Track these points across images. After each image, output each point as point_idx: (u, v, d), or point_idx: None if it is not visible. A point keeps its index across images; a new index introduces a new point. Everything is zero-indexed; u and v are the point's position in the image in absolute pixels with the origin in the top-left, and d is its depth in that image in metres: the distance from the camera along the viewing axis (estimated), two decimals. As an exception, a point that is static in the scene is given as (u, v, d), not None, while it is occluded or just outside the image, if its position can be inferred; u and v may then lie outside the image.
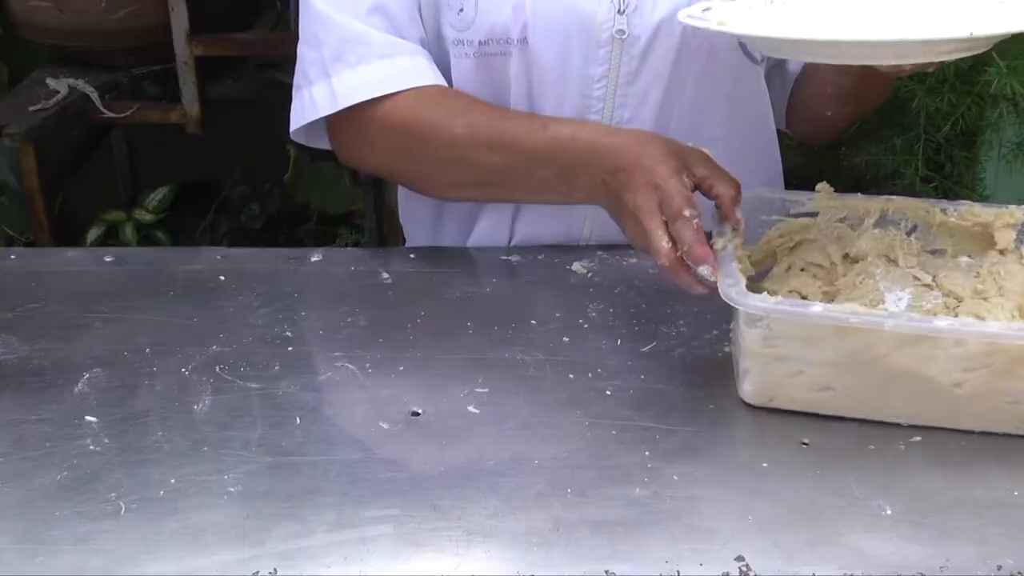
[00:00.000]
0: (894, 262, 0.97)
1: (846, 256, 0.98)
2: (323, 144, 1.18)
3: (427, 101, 1.10)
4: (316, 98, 1.11)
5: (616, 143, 0.99)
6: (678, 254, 0.90)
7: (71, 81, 2.08)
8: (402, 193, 1.30)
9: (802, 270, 0.99)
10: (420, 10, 1.12)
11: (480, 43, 1.10)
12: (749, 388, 0.90)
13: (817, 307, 0.85)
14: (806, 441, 0.86)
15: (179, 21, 2.07)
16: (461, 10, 1.10)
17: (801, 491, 0.81)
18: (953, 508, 0.79)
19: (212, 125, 2.13)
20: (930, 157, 1.78)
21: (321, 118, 1.12)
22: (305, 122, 1.13)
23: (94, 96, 2.07)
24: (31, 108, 1.97)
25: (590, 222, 1.17)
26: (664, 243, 0.91)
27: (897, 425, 0.88)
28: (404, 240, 1.33)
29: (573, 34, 1.10)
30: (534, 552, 0.75)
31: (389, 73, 1.09)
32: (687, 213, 0.90)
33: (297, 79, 1.14)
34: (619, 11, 1.09)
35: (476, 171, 1.08)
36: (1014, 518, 0.78)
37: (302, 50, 1.13)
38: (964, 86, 1.68)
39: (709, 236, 0.93)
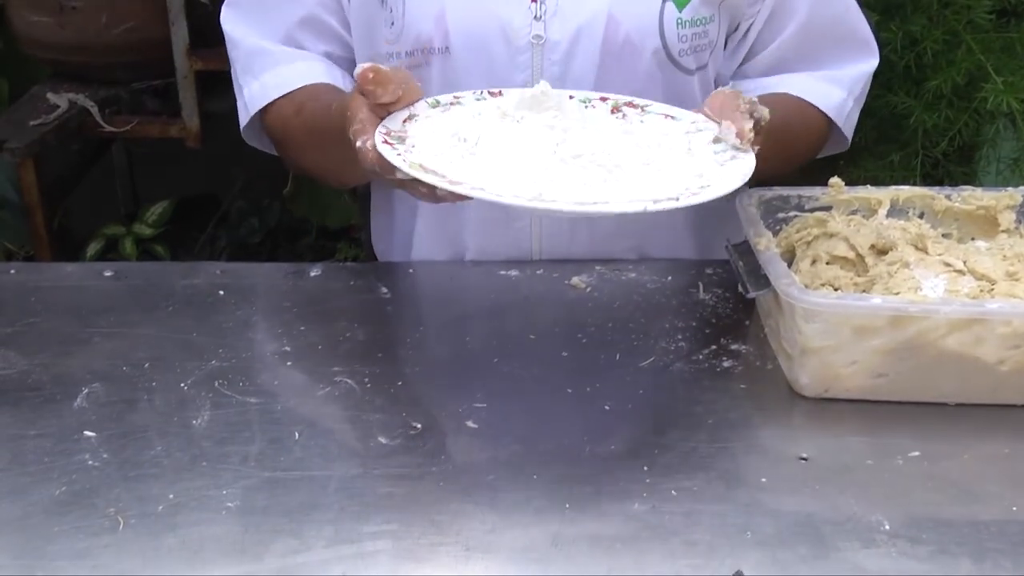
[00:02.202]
0: (923, 250, 1.00)
1: (872, 247, 1.01)
2: (272, 150, 1.25)
3: (306, 93, 1.15)
4: (240, 110, 1.21)
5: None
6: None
7: (71, 96, 2.08)
8: (373, 205, 1.33)
9: (827, 263, 1.01)
10: (351, 34, 1.18)
11: (407, 54, 1.14)
12: (805, 381, 0.92)
13: (876, 299, 0.89)
14: (805, 456, 0.86)
15: (179, 36, 2.07)
16: (392, 24, 1.14)
17: (799, 506, 0.81)
18: (952, 523, 0.79)
19: (212, 139, 2.13)
20: (928, 173, 1.78)
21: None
22: (244, 133, 1.23)
23: (94, 111, 2.08)
24: (31, 123, 1.97)
25: (537, 238, 1.19)
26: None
27: (896, 440, 0.88)
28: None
29: (492, 41, 1.12)
30: (532, 568, 0.75)
31: (283, 76, 1.17)
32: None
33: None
34: (536, 17, 1.11)
35: (317, 157, 1.15)
36: (1013, 533, 0.78)
37: (231, 68, 1.23)
38: (961, 102, 1.68)
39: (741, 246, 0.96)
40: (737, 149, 0.93)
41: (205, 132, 2.13)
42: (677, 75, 1.16)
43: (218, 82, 2.12)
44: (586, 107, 1.01)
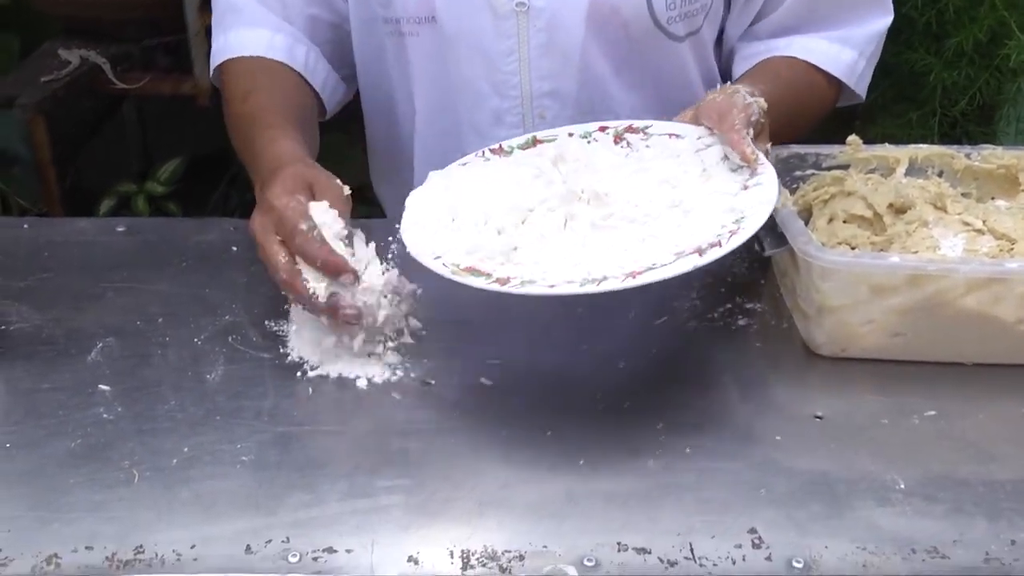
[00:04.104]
0: (942, 209, 0.99)
1: (890, 206, 1.00)
2: None
3: (249, 72, 1.14)
4: (211, 57, 1.20)
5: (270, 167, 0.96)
6: (296, 267, 0.87)
7: (83, 52, 2.07)
8: (372, 167, 1.35)
9: (845, 222, 1.00)
10: None
11: (397, 21, 1.14)
12: (821, 340, 0.92)
13: (894, 258, 0.88)
14: (820, 415, 0.86)
15: (191, -8, 2.06)
16: None
17: (814, 464, 0.81)
18: (967, 483, 0.79)
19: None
20: (946, 132, 1.77)
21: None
22: (211, 78, 1.22)
23: (106, 67, 2.07)
24: (43, 79, 1.97)
25: None
26: (281, 257, 0.87)
27: (911, 399, 0.87)
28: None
29: (477, 9, 1.11)
30: (546, 523, 0.75)
31: (245, 39, 1.16)
32: (303, 227, 0.87)
33: None
34: None
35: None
36: (1028, 493, 0.78)
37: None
38: (983, 60, 1.66)
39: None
40: (747, 167, 0.92)
41: (217, 90, 2.12)
42: (666, 42, 1.15)
43: (230, 39, 2.11)
44: (588, 142, 1.00)
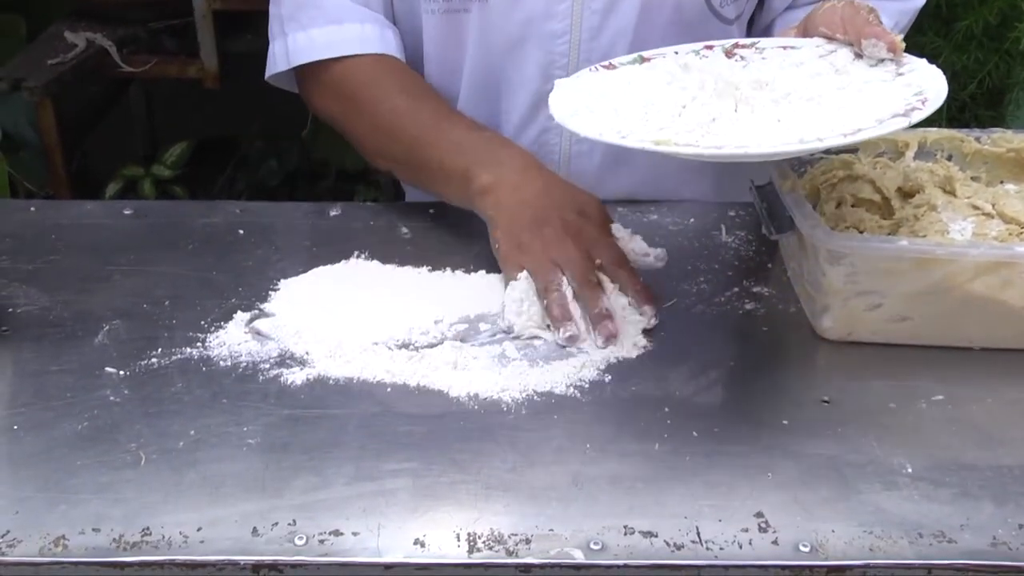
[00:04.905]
0: (951, 193, 0.99)
1: (898, 189, 0.99)
2: (295, 89, 1.22)
3: (368, 73, 1.13)
4: (276, 53, 1.17)
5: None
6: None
7: (89, 35, 2.06)
8: None
9: (852, 206, 1.00)
10: None
11: None
12: (828, 324, 0.92)
13: (903, 241, 0.88)
14: (827, 399, 0.86)
15: (197, -26, 2.05)
16: None
17: (821, 448, 0.81)
18: (974, 467, 0.79)
19: (230, 80, 2.12)
20: (955, 116, 1.76)
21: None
22: (270, 74, 1.18)
23: (112, 50, 2.06)
24: (49, 62, 1.96)
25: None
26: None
27: (919, 384, 0.87)
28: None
29: None
30: (553, 506, 0.75)
31: (335, 38, 1.13)
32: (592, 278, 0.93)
33: (269, 30, 1.19)
34: None
35: (387, 153, 1.13)
36: (1036, 478, 0.78)
37: (271, 5, 1.18)
38: (992, 43, 1.65)
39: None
40: (892, 60, 0.88)
41: (224, 73, 2.11)
42: (717, 26, 1.15)
43: (237, 22, 2.10)
44: (700, 57, 0.96)
